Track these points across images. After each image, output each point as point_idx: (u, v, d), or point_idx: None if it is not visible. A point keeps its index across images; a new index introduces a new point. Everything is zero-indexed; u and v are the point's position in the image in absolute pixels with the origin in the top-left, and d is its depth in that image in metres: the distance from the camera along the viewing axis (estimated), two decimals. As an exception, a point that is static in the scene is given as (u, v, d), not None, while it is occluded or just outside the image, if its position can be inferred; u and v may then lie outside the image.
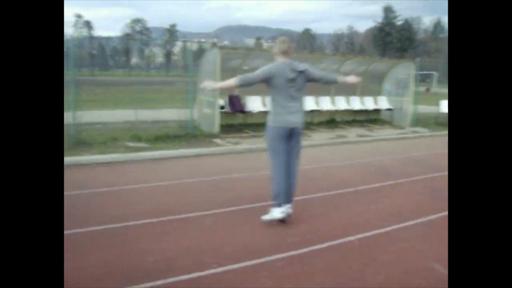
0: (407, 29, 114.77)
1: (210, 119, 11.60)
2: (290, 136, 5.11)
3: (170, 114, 12.68)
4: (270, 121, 5.09)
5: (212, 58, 11.39)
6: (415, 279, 3.96)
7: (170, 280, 3.79)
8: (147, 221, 5.25)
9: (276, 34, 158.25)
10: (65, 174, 6.06)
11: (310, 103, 13.93)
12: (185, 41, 13.87)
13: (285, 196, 5.16)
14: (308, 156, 9.42)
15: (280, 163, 5.11)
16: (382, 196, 6.61)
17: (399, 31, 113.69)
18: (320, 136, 12.02)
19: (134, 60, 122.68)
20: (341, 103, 14.75)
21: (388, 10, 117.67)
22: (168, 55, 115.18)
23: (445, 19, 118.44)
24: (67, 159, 7.90)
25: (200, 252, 4.38)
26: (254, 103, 12.96)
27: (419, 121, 15.93)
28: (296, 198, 6.21)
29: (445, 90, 33.69)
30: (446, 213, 5.87)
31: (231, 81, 5.12)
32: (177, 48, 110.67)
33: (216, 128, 11.44)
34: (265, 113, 13.09)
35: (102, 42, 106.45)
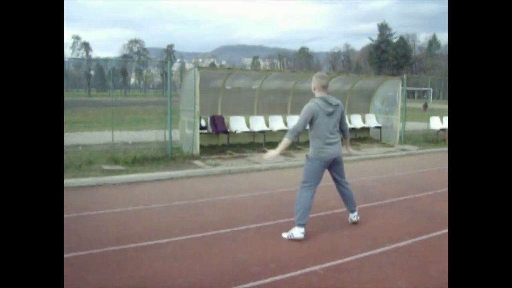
0: (403, 46, 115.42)
1: (191, 140, 11.31)
2: (333, 164, 5.68)
3: (151, 135, 12.42)
4: (312, 152, 5.56)
5: (192, 78, 11.15)
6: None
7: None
8: (106, 249, 4.94)
9: (273, 53, 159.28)
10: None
11: (296, 122, 13.66)
12: (164, 62, 13.61)
13: (350, 205, 6.04)
14: (288, 178, 9.14)
15: (311, 191, 5.58)
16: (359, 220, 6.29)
17: (395, 48, 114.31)
18: (303, 156, 11.70)
19: (132, 80, 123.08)
20: (328, 122, 14.48)
21: (383, 28, 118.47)
22: (164, 75, 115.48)
23: (440, 36, 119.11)
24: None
25: (156, 285, 4.07)
26: (238, 123, 12.69)
27: (409, 138, 15.66)
28: (265, 224, 5.94)
29: (441, 106, 33.55)
30: (425, 237, 5.59)
31: (286, 142, 5.54)
32: (174, 68, 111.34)
33: (196, 149, 11.14)
34: (249, 133, 12.88)
35: (100, 63, 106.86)
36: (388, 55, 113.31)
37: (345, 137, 6.09)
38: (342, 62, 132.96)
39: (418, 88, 70.79)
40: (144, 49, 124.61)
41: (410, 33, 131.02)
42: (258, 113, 13.47)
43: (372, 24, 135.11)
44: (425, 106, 42.87)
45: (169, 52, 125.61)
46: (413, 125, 19.04)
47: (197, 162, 10.41)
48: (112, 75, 13.42)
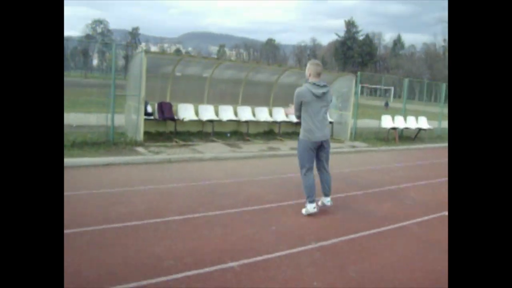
0: (368, 44, 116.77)
1: (136, 126, 11.00)
2: (321, 147, 6.08)
3: (98, 119, 12.02)
4: (302, 134, 6.01)
5: (139, 62, 10.81)
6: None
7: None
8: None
9: (240, 43, 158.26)
10: None
11: (246, 113, 13.50)
12: (108, 43, 13.25)
13: (326, 189, 6.39)
14: (229, 169, 8.97)
15: (307, 171, 6.07)
16: (288, 216, 6.18)
17: (360, 45, 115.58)
18: (251, 148, 11.56)
19: (95, 62, 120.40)
20: (280, 115, 14.35)
21: (350, 25, 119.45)
22: (127, 58, 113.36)
23: (404, 37, 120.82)
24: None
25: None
26: (186, 111, 12.42)
27: (360, 135, 15.73)
28: (192, 216, 5.79)
29: (401, 105, 33.99)
30: (352, 236, 5.52)
31: (292, 110, 6.13)
32: (139, 50, 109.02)
33: (140, 136, 10.83)
34: (198, 122, 12.64)
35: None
36: (353, 52, 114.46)
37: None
38: (308, 56, 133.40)
39: (378, 86, 71.76)
40: (109, 30, 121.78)
41: (376, 31, 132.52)
42: (208, 102, 13.22)
43: (341, 20, 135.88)
44: (386, 104, 43.46)
45: (133, 35, 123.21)
46: (368, 123, 19.17)
47: (140, 149, 10.13)
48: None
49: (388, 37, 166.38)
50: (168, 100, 12.38)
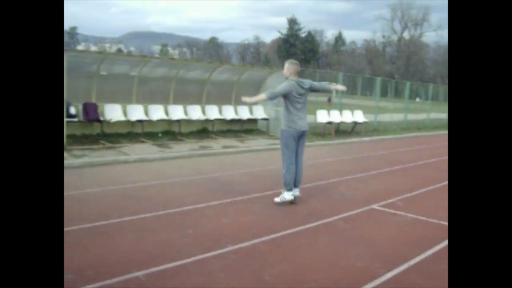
0: (310, 41, 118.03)
1: (57, 129, 10.34)
2: (300, 137, 6.68)
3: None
4: (285, 126, 6.59)
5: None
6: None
7: None
8: None
9: (183, 42, 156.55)
10: None
11: (178, 112, 13.08)
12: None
13: (297, 179, 6.81)
14: (154, 171, 8.58)
15: (290, 158, 6.63)
16: (207, 218, 5.87)
17: (303, 42, 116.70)
18: (182, 148, 11.16)
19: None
20: (214, 113, 14.01)
21: (293, 22, 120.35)
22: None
23: (345, 33, 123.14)
24: None
25: None
26: (113, 112, 11.87)
27: (295, 131, 15.64)
28: (100, 223, 5.38)
29: (344, 100, 34.40)
30: (273, 236, 5.28)
31: (262, 96, 6.53)
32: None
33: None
34: (127, 123, 12.10)
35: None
36: (296, 49, 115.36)
37: (327, 89, 7.50)
38: (252, 54, 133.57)
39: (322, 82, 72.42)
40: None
41: (318, 29, 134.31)
42: (138, 102, 12.70)
43: (284, 18, 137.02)
44: (329, 100, 43.82)
45: (71, 35, 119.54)
46: (309, 118, 19.12)
47: (61, 153, 9.53)
48: None
49: (330, 34, 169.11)
50: (93, 100, 11.78)
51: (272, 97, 6.58)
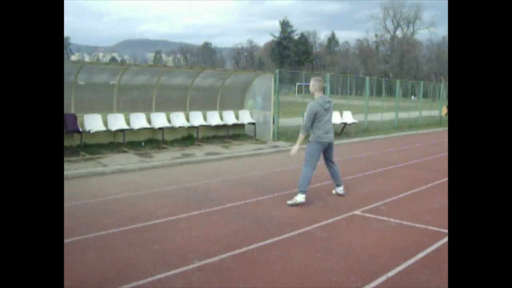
0: (303, 43, 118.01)
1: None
2: (328, 147, 7.30)
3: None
4: (312, 138, 7.05)
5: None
6: None
7: None
8: None
9: (176, 48, 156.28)
10: None
11: (161, 119, 12.76)
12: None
13: (338, 180, 7.63)
14: (128, 183, 8.27)
15: (313, 168, 7.12)
16: (177, 231, 5.56)
17: (296, 45, 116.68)
18: (164, 156, 10.84)
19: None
20: (198, 119, 13.68)
21: (285, 25, 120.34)
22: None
23: (338, 34, 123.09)
24: None
25: None
26: (94, 122, 11.53)
27: (284, 134, 15.32)
28: (65, 241, 5.06)
29: (336, 101, 34.25)
30: (245, 249, 5.01)
31: (301, 137, 7.20)
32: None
33: (38, 152, 9.87)
34: (108, 133, 11.76)
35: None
36: (289, 51, 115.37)
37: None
38: (245, 58, 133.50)
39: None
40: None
41: (311, 30, 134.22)
42: (119, 111, 12.36)
43: (277, 21, 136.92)
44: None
45: (64, 45, 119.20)
46: (290, 121, 18.81)
47: (36, 167, 9.20)
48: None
49: (323, 36, 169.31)
50: (72, 111, 11.44)
51: (307, 129, 7.08)
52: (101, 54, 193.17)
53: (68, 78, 11.19)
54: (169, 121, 13.02)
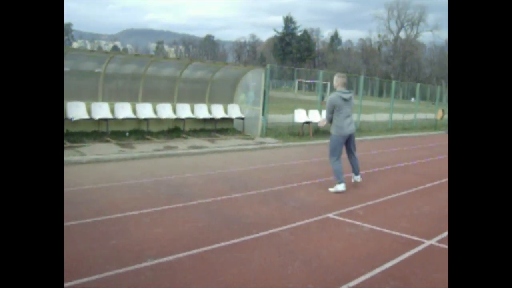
0: (306, 40, 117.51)
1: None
2: (349, 138, 7.73)
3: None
4: (334, 131, 7.60)
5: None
6: None
7: None
8: None
9: (179, 40, 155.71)
10: None
11: (146, 110, 12.53)
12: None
13: (356, 170, 8.11)
14: (103, 173, 8.07)
15: (337, 158, 7.61)
16: (138, 226, 5.36)
17: (299, 41, 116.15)
18: (146, 148, 10.61)
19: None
20: (185, 111, 13.44)
21: (289, 21, 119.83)
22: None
23: (341, 33, 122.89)
24: None
25: None
26: (77, 110, 11.30)
27: (273, 131, 15.10)
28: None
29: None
30: (205, 248, 4.79)
31: (325, 120, 7.85)
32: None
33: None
34: (92, 121, 11.52)
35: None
36: (292, 47, 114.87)
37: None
38: (248, 52, 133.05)
39: (313, 81, 72.04)
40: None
41: (314, 28, 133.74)
42: (104, 100, 12.12)
43: (281, 17, 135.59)
44: (322, 98, 43.30)
45: (66, 31, 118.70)
46: (280, 118, 18.58)
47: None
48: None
49: (326, 33, 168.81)
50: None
51: (330, 116, 7.59)
52: (103, 42, 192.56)
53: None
54: (155, 112, 12.79)
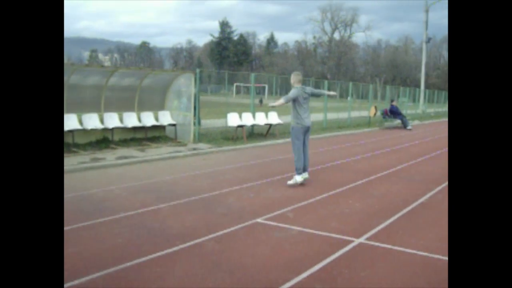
0: (243, 43, 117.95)
1: None
2: (305, 132, 8.47)
3: None
4: (295, 123, 8.40)
5: None
6: None
7: None
8: None
9: (114, 47, 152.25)
10: None
11: (72, 121, 11.93)
12: None
13: (305, 167, 8.57)
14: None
15: (300, 148, 8.39)
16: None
17: (235, 45, 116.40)
18: (70, 161, 10.06)
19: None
20: (113, 121, 12.92)
21: (225, 25, 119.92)
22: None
23: (278, 35, 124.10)
24: None
25: None
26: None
27: (206, 136, 14.83)
28: None
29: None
30: (124, 265, 4.47)
31: (281, 101, 8.36)
32: None
33: None
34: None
35: None
36: (229, 52, 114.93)
37: (322, 94, 10.21)
38: (185, 58, 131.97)
39: (249, 85, 72.08)
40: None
41: (250, 31, 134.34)
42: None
43: (218, 21, 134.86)
44: (261, 101, 43.45)
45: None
46: (214, 122, 18.35)
47: None
48: None
49: (263, 37, 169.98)
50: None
51: (287, 101, 8.32)
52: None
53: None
54: (81, 123, 12.22)
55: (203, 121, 19.20)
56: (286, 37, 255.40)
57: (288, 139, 15.85)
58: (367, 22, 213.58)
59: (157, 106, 14.58)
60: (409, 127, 23.38)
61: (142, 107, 14.05)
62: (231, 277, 4.29)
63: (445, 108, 45.20)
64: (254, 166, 10.55)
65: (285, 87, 65.60)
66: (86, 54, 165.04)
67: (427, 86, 46.74)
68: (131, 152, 11.65)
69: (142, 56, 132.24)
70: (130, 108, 13.76)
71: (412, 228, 5.97)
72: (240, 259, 4.74)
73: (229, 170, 9.95)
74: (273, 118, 16.64)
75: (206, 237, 5.39)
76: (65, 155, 10.85)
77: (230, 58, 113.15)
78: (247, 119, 15.50)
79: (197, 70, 14.18)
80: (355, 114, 26.02)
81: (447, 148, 15.25)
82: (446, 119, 36.04)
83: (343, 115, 24.73)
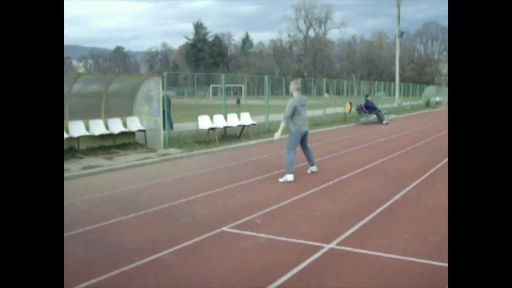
0: (218, 45, 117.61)
1: None
2: (305, 135, 9.11)
3: None
4: (294, 129, 8.89)
5: None
6: None
7: None
8: None
9: (88, 53, 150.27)
10: None
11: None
12: None
13: (311, 161, 9.50)
14: None
15: (292, 151, 8.86)
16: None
17: (211, 47, 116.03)
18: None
19: None
20: (79, 129, 12.45)
21: (199, 27, 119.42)
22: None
23: (253, 35, 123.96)
24: None
25: None
26: None
27: (177, 140, 14.45)
28: None
29: (253, 101, 34.23)
30: (85, 284, 4.07)
31: (283, 124, 9.01)
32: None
33: None
34: None
35: None
36: (204, 53, 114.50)
37: None
38: (160, 61, 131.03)
39: (230, 85, 71.87)
40: None
41: (225, 32, 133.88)
42: None
43: (191, 24, 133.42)
44: (238, 102, 43.19)
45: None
46: (186, 126, 17.98)
47: None
48: None
49: (238, 37, 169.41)
50: None
51: (288, 118, 8.82)
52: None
53: None
54: (44, 132, 11.72)
55: (176, 125, 18.82)
56: (261, 37, 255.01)
57: (262, 140, 15.66)
58: (341, 19, 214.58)
59: (126, 111, 14.14)
60: (385, 122, 23.31)
61: (109, 114, 13.59)
62: (189, 295, 3.97)
63: (420, 101, 45.43)
64: (224, 170, 10.21)
65: (262, 87, 65.39)
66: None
67: (402, 80, 46.89)
68: (98, 161, 11.21)
69: (117, 61, 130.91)
70: (96, 115, 13.30)
71: (385, 229, 5.71)
72: (202, 274, 4.42)
73: (198, 175, 9.60)
74: (246, 119, 16.32)
75: (167, 251, 5.05)
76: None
77: (206, 60, 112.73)
78: (219, 121, 15.14)
79: (165, 73, 13.79)
80: (330, 110, 25.84)
81: (423, 141, 15.13)
82: (422, 112, 36.17)
83: (318, 112, 24.53)
